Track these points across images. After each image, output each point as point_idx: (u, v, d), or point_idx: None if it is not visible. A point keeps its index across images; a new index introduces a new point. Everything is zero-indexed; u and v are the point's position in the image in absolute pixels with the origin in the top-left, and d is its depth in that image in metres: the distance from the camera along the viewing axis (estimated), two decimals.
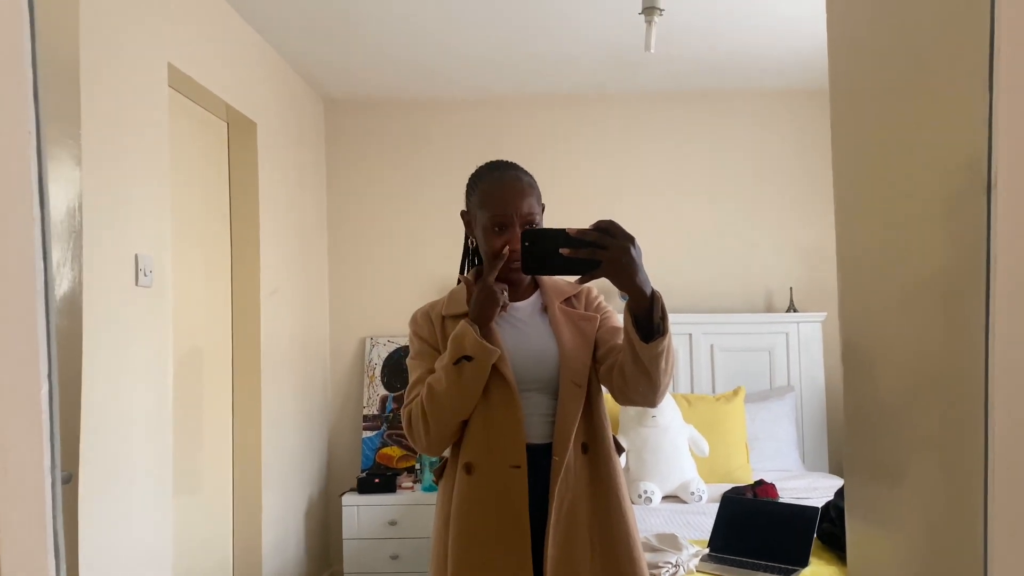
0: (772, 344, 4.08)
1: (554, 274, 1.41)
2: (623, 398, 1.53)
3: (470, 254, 1.77)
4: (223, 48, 3.01)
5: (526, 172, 1.65)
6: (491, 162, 1.68)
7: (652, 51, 2.50)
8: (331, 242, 4.27)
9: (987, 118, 0.65)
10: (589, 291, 1.71)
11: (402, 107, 4.27)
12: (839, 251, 1.13)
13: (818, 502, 3.25)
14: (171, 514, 2.45)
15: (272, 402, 3.36)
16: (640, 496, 3.35)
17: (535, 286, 1.71)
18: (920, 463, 0.85)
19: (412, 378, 1.63)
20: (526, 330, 1.64)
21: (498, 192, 1.59)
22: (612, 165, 4.23)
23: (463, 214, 1.70)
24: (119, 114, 2.24)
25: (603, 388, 1.65)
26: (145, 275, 2.29)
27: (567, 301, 1.67)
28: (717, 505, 3.14)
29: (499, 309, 1.55)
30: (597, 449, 1.60)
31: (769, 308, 4.19)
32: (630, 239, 1.35)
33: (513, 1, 3.10)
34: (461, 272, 1.77)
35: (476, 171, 1.68)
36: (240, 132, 3.26)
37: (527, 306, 1.68)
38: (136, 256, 2.27)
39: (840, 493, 2.53)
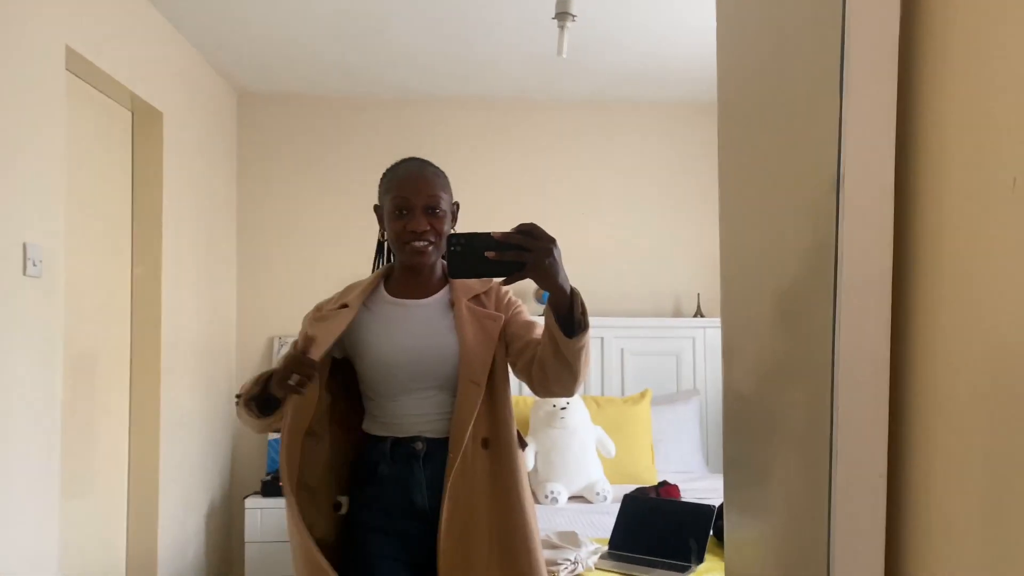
0: (679, 348, 4.19)
1: (480, 276, 1.45)
2: (543, 390, 1.57)
3: (383, 250, 1.84)
4: (128, 34, 2.91)
5: (437, 168, 1.72)
6: (402, 158, 1.77)
7: (564, 56, 2.54)
8: (240, 238, 4.17)
9: (837, 120, 0.69)
10: (498, 288, 1.75)
11: (318, 103, 4.21)
12: (722, 259, 1.18)
13: (717, 502, 3.37)
14: (57, 517, 2.35)
15: (173, 401, 3.26)
16: (547, 496, 3.39)
17: (444, 281, 1.75)
18: (783, 458, 0.89)
19: None
20: (428, 327, 1.68)
21: (402, 177, 1.68)
22: (528, 169, 4.27)
23: (376, 208, 1.77)
24: (10, 96, 2.14)
25: (510, 383, 1.70)
26: (34, 265, 2.19)
27: (475, 299, 1.71)
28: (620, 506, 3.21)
29: (291, 390, 1.53)
30: (499, 444, 1.65)
31: (677, 313, 4.30)
32: (552, 241, 1.39)
33: (434, 2, 3.10)
34: (374, 266, 1.84)
35: (388, 167, 1.77)
36: (145, 122, 3.16)
37: (434, 303, 1.72)
38: (24, 245, 2.17)
39: None
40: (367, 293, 1.73)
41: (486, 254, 1.36)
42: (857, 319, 0.68)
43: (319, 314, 1.74)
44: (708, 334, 4.19)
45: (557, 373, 1.50)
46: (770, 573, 0.92)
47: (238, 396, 1.66)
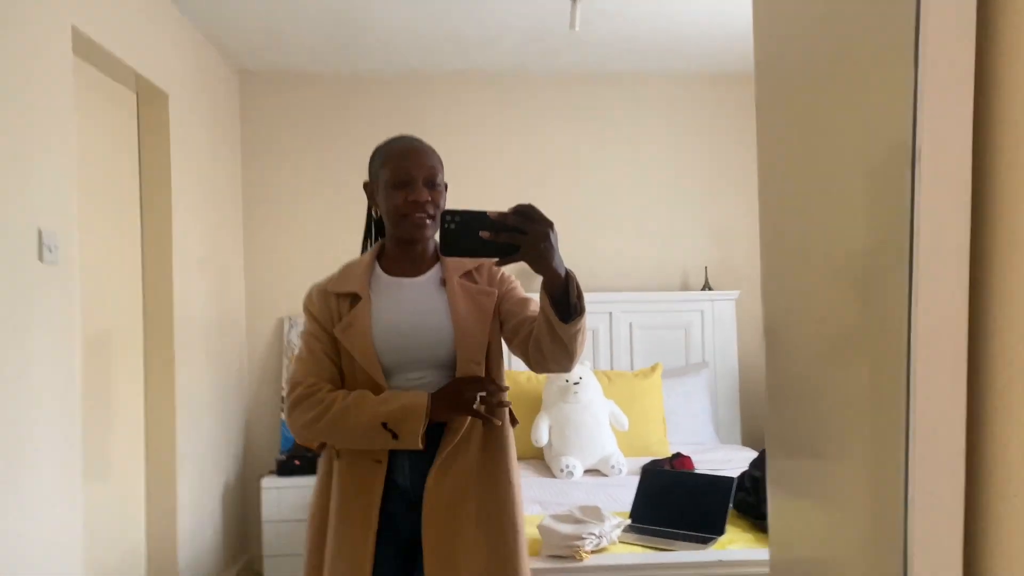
0: (688, 322, 4.19)
1: (472, 256, 1.42)
2: (539, 367, 1.58)
3: (373, 226, 1.80)
4: (130, 13, 2.86)
5: (430, 145, 1.71)
6: (394, 136, 1.73)
7: (577, 29, 2.51)
8: (246, 219, 4.14)
9: (912, 93, 0.68)
10: (490, 263, 1.71)
11: (319, 81, 4.17)
12: (762, 232, 1.16)
13: (733, 472, 3.37)
14: (81, 502, 2.35)
15: (186, 384, 3.25)
16: (562, 470, 3.41)
17: (436, 258, 1.73)
18: (846, 433, 0.89)
19: (304, 352, 1.67)
20: (422, 307, 1.65)
21: (400, 151, 1.65)
22: (532, 145, 4.25)
23: (366, 185, 1.72)
24: (20, 80, 2.11)
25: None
26: (50, 251, 2.18)
27: (467, 275, 1.68)
28: (636, 478, 3.23)
29: (469, 413, 1.57)
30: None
31: (685, 287, 4.30)
32: (549, 224, 1.37)
33: None
34: (364, 245, 1.80)
35: (379, 145, 1.73)
36: (151, 103, 3.12)
37: (425, 280, 1.69)
38: (40, 231, 2.15)
39: (755, 463, 2.63)
40: (368, 275, 1.68)
41: (481, 234, 1.35)
42: (935, 290, 0.67)
43: (327, 309, 1.67)
44: (716, 307, 4.19)
45: (553, 354, 1.51)
46: (831, 550, 0.93)
47: (385, 425, 1.55)
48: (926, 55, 0.66)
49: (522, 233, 1.35)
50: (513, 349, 1.64)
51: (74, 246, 2.35)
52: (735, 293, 4.18)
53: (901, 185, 0.70)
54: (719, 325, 4.20)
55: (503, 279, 1.71)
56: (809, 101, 0.98)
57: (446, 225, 1.37)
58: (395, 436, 1.53)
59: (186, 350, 3.25)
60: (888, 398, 0.74)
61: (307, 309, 1.71)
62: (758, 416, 4.28)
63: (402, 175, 1.61)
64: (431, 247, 1.72)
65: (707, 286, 4.20)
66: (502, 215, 1.35)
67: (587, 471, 3.50)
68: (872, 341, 0.79)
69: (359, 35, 3.67)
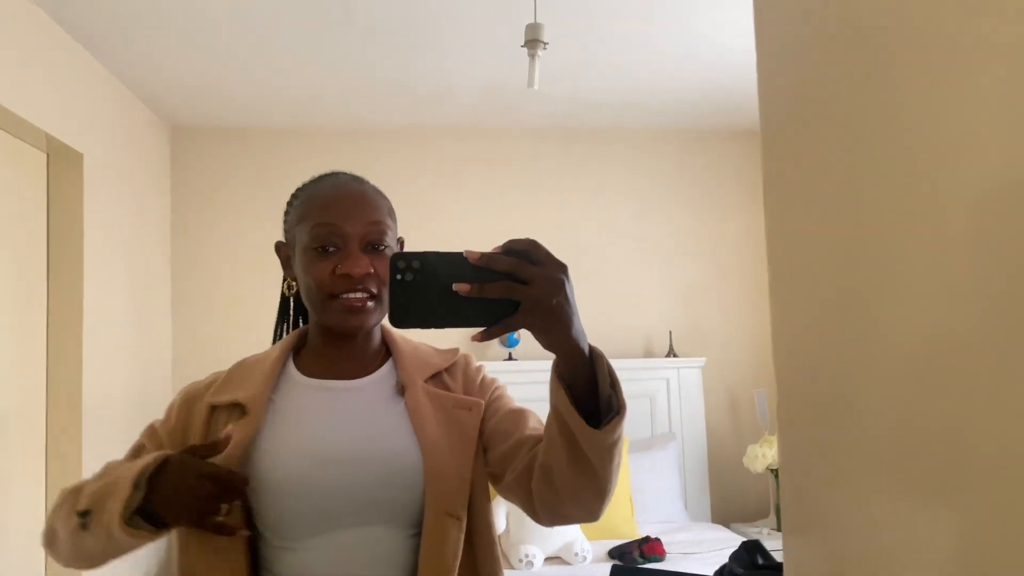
0: (654, 390, 3.96)
1: (443, 326, 0.84)
2: (551, 515, 1.01)
3: (289, 306, 1.24)
4: (43, 70, 2.59)
5: (375, 187, 1.17)
6: (321, 173, 1.18)
7: (536, 87, 2.31)
8: (175, 286, 3.82)
9: None
10: (468, 361, 1.21)
11: (261, 136, 3.91)
12: (775, 310, 0.91)
13: (706, 556, 3.13)
14: None
15: (99, 466, 2.89)
16: (521, 560, 3.11)
17: (387, 354, 1.18)
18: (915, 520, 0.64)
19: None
20: (370, 424, 1.08)
21: (329, 197, 1.10)
22: (490, 203, 4.03)
23: (279, 247, 1.18)
24: None
25: (504, 504, 1.24)
26: None
27: (435, 378, 1.14)
28: (602, 566, 2.94)
29: (219, 528, 0.97)
30: None
31: (649, 353, 4.07)
32: (562, 267, 0.85)
33: (385, 29, 2.85)
34: (277, 333, 1.24)
35: (298, 187, 1.18)
36: (63, 163, 2.83)
37: (373, 385, 1.13)
38: None
39: (735, 558, 2.37)
40: (272, 379, 1.11)
41: (455, 287, 0.82)
42: None
43: (186, 425, 1.12)
44: (682, 374, 3.97)
45: (575, 488, 0.94)
46: None
47: (83, 513, 0.99)
48: None
49: (521, 283, 0.83)
50: (503, 490, 1.07)
51: None
52: (701, 360, 3.96)
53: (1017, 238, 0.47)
54: (685, 394, 3.97)
55: (484, 384, 1.17)
56: (852, 137, 0.74)
57: (398, 275, 0.83)
58: (84, 524, 0.97)
59: (97, 432, 2.89)
60: (1007, 556, 0.49)
61: (160, 419, 1.16)
62: (727, 490, 4.03)
63: (327, 234, 1.07)
64: (377, 336, 1.18)
65: (672, 352, 3.98)
66: (488, 256, 0.83)
67: (548, 559, 3.20)
68: (989, 466, 0.54)
69: (303, 89, 3.44)
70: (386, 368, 1.15)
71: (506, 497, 1.08)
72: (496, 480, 1.09)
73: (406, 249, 1.01)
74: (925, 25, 0.59)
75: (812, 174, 0.83)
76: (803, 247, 0.86)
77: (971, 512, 0.53)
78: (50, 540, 1.06)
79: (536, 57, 2.33)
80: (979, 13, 0.53)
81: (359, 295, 1.07)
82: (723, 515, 3.98)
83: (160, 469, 0.97)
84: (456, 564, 1.03)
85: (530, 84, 2.30)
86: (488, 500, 1.10)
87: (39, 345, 2.75)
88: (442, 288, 0.83)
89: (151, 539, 0.96)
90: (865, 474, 0.72)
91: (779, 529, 3.54)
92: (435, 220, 3.91)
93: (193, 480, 0.95)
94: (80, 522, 0.98)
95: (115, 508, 0.94)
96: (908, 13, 0.61)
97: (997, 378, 0.51)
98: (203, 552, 1.03)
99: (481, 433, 1.10)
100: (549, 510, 1.00)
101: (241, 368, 1.15)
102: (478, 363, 1.22)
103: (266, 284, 3.84)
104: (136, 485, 0.95)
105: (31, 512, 2.68)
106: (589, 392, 0.90)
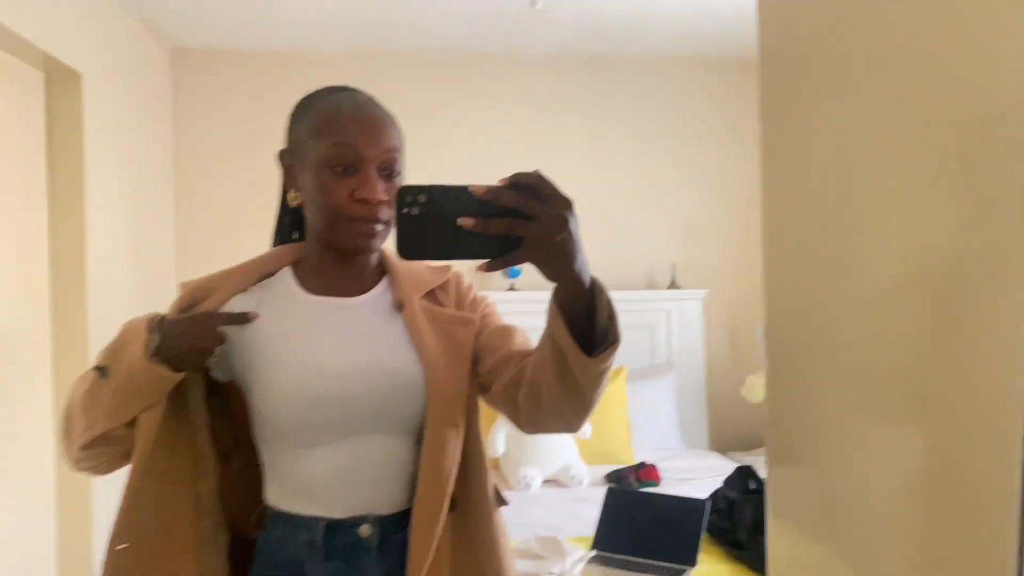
0: (653, 322, 3.98)
1: (447, 257, 0.86)
2: (533, 426, 1.08)
3: (288, 216, 1.26)
4: None
5: (389, 111, 1.17)
6: (331, 86, 1.18)
7: (539, 7, 2.26)
8: (178, 209, 3.82)
9: None
10: (459, 280, 1.23)
11: (261, 59, 3.85)
12: (767, 234, 0.92)
13: (700, 483, 3.20)
14: None
15: None
16: (519, 482, 3.19)
17: (382, 271, 1.21)
18: (882, 523, 0.66)
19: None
20: (372, 339, 1.12)
21: (345, 115, 1.09)
22: (489, 132, 3.98)
23: (282, 155, 1.19)
24: None
25: (503, 427, 1.33)
26: None
27: (430, 295, 1.18)
28: (599, 489, 3.02)
29: (205, 357, 1.06)
30: (470, 506, 1.13)
31: (650, 285, 4.08)
32: (566, 203, 0.85)
33: None
34: (274, 243, 1.28)
35: (307, 95, 1.18)
36: (61, 83, 2.79)
37: (371, 302, 1.16)
38: None
39: (729, 482, 2.43)
40: (256, 276, 1.17)
41: (460, 221, 0.84)
42: None
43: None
44: (683, 306, 3.99)
45: (559, 405, 0.99)
46: None
47: (100, 368, 1.06)
48: None
49: (526, 218, 0.83)
50: (491, 400, 1.13)
51: None
52: (703, 292, 3.98)
53: (996, 173, 0.47)
54: (685, 326, 4.00)
55: (475, 301, 1.20)
56: (847, 67, 0.74)
57: (405, 209, 0.84)
58: (103, 373, 1.04)
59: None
60: (973, 470, 0.51)
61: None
62: (725, 421, 4.09)
63: (347, 155, 1.07)
64: (376, 257, 1.21)
65: (674, 284, 3.99)
66: (493, 190, 0.84)
67: (546, 481, 3.28)
68: (953, 387, 0.55)
69: (302, 11, 3.36)
70: (382, 285, 1.19)
71: (492, 406, 1.14)
72: (484, 390, 1.14)
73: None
74: None
75: (806, 101, 0.82)
76: (795, 175, 0.86)
77: (940, 427, 0.55)
78: (66, 425, 1.10)
79: None
80: None
81: (370, 220, 1.09)
82: (720, 444, 4.05)
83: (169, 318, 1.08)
84: (454, 469, 1.09)
85: (532, 3, 2.25)
86: (478, 410, 1.16)
87: (42, 267, 2.77)
88: (447, 221, 0.84)
89: (168, 381, 1.03)
90: (845, 401, 0.74)
91: None
92: (436, 148, 3.87)
93: (199, 317, 1.06)
94: (98, 374, 1.05)
95: (136, 350, 1.03)
96: None
97: (970, 298, 0.51)
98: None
99: (472, 347, 1.14)
100: (532, 421, 1.07)
101: (228, 273, 1.19)
102: (468, 281, 1.25)
103: (267, 206, 3.83)
104: (151, 329, 1.05)
105: (40, 425, 2.74)
106: (586, 320, 0.93)
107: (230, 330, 1.11)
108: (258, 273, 1.18)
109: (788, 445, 0.86)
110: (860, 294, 0.69)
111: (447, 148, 3.91)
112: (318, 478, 1.09)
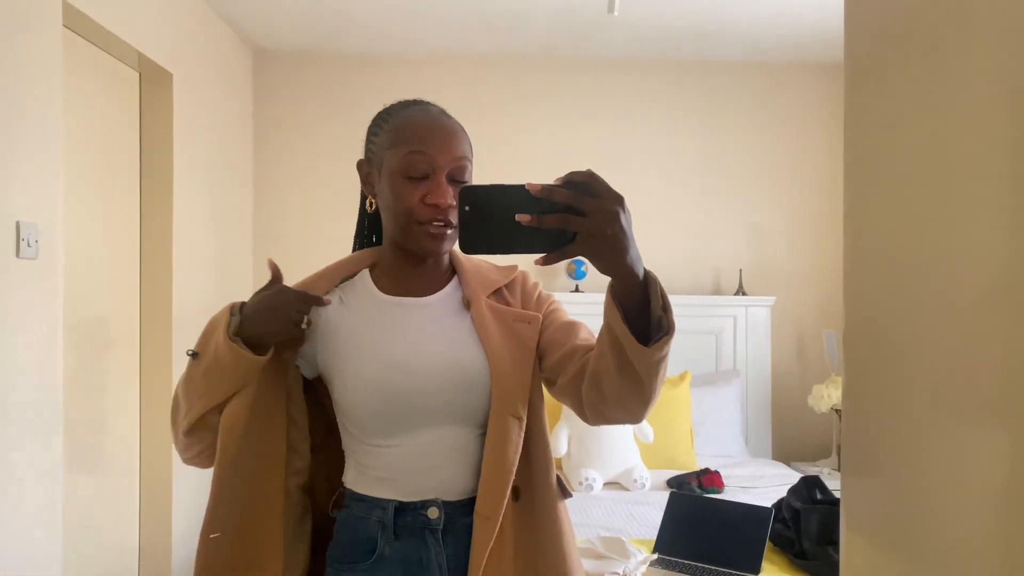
0: (720, 327, 3.96)
1: (505, 251, 0.94)
2: (597, 417, 1.13)
3: (367, 221, 1.34)
4: None
5: (458, 122, 1.26)
6: (405, 100, 1.27)
7: (616, 14, 2.28)
8: (257, 206, 3.96)
9: None
10: (525, 278, 1.30)
11: (338, 61, 3.96)
12: (848, 242, 0.92)
13: (764, 491, 3.17)
14: (60, 507, 2.19)
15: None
16: (581, 483, 3.21)
17: (452, 272, 1.29)
18: (967, 536, 0.67)
19: None
20: (443, 337, 1.21)
21: (421, 127, 1.18)
22: (558, 134, 4.01)
23: (360, 165, 1.27)
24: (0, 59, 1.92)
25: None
26: (29, 245, 1.99)
27: (496, 294, 1.25)
28: (660, 493, 3.02)
29: (285, 327, 1.14)
30: (534, 496, 1.19)
31: (717, 290, 4.05)
32: (618, 200, 0.91)
33: None
34: (356, 247, 1.36)
35: (384, 109, 1.27)
36: (154, 83, 2.93)
37: (441, 302, 1.24)
38: (18, 224, 1.97)
39: (794, 491, 2.41)
40: (338, 279, 1.26)
41: (518, 218, 0.90)
42: None
43: None
44: (750, 312, 3.95)
45: (621, 395, 1.04)
46: None
47: (193, 353, 1.16)
48: None
49: (579, 214, 0.89)
50: (557, 393, 1.19)
51: (57, 239, 2.17)
52: (771, 299, 3.93)
53: None
54: (752, 332, 3.96)
55: (540, 299, 1.27)
56: (937, 64, 0.74)
57: (467, 207, 0.93)
58: (195, 356, 1.14)
59: (185, 343, 3.07)
60: None
61: None
62: (790, 429, 4.04)
63: (420, 163, 1.16)
64: (447, 256, 1.29)
65: (741, 290, 3.96)
66: (548, 188, 0.90)
67: (607, 483, 3.29)
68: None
69: (379, 14, 3.45)
70: (452, 285, 1.27)
71: (558, 399, 1.19)
72: (550, 384, 1.21)
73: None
74: None
75: (894, 107, 0.83)
76: (880, 182, 0.86)
77: (1022, 434, 0.56)
78: (173, 413, 1.20)
79: None
80: None
81: (441, 224, 1.17)
82: (784, 453, 4.01)
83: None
84: (516, 458, 1.16)
85: (610, 10, 2.27)
86: (542, 403, 1.23)
87: (133, 257, 2.91)
88: (505, 218, 0.91)
89: (248, 361, 1.11)
90: (928, 411, 0.75)
91: (840, 469, 3.56)
92: (503, 147, 3.92)
93: (277, 294, 1.14)
94: (192, 359, 1.15)
95: (220, 333, 1.12)
96: None
97: None
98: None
99: (537, 343, 1.21)
100: (596, 412, 1.12)
101: (325, 273, 1.28)
102: (533, 279, 1.32)
103: (344, 207, 3.94)
104: (232, 312, 1.14)
105: (128, 415, 2.88)
106: (641, 312, 0.99)
107: (317, 330, 1.21)
108: (340, 276, 1.26)
109: (865, 455, 0.86)
110: (948, 299, 0.69)
111: (512, 148, 3.96)
112: (391, 464, 1.18)
